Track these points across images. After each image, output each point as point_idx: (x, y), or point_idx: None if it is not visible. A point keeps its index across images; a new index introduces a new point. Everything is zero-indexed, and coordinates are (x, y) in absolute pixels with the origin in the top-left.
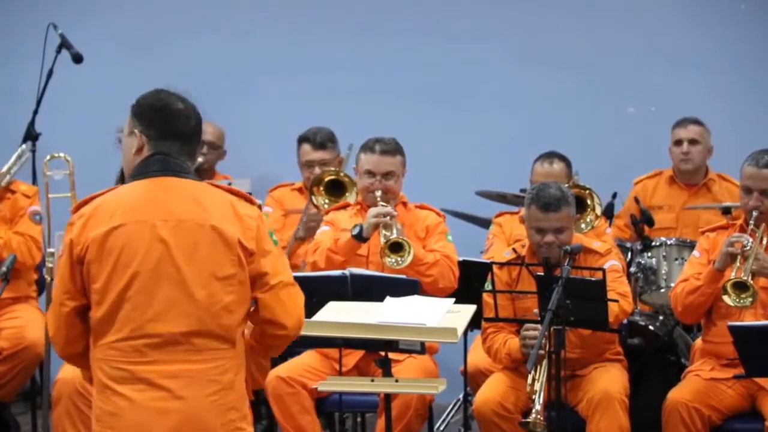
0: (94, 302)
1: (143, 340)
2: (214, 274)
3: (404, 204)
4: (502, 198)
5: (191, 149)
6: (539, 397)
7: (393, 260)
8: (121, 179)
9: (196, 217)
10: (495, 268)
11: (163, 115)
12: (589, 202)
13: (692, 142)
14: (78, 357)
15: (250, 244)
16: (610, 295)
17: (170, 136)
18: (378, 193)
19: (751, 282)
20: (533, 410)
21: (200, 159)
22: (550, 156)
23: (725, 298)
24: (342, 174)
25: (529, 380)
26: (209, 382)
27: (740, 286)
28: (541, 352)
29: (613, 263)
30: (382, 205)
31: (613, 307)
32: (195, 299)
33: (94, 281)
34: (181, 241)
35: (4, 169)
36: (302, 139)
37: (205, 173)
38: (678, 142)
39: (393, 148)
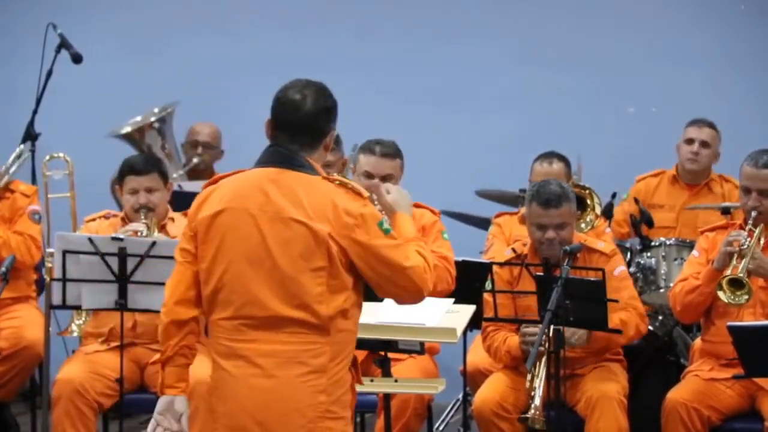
0: (202, 280)
1: (242, 321)
2: (305, 265)
3: None
4: (502, 196)
5: (303, 141)
6: (538, 392)
7: None
8: (119, 179)
9: (291, 210)
10: (495, 267)
11: (277, 104)
12: (589, 202)
13: (703, 144)
14: (177, 324)
15: (344, 241)
16: (625, 300)
17: (279, 126)
18: (375, 196)
19: (747, 279)
20: (532, 406)
21: (195, 159)
22: (550, 156)
23: (720, 294)
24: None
25: (528, 376)
26: (299, 364)
27: (736, 284)
28: (541, 348)
29: (623, 269)
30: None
31: (629, 323)
32: (287, 288)
33: (202, 261)
34: (276, 232)
35: (3, 168)
36: None
37: (202, 173)
38: (689, 141)
39: (393, 151)
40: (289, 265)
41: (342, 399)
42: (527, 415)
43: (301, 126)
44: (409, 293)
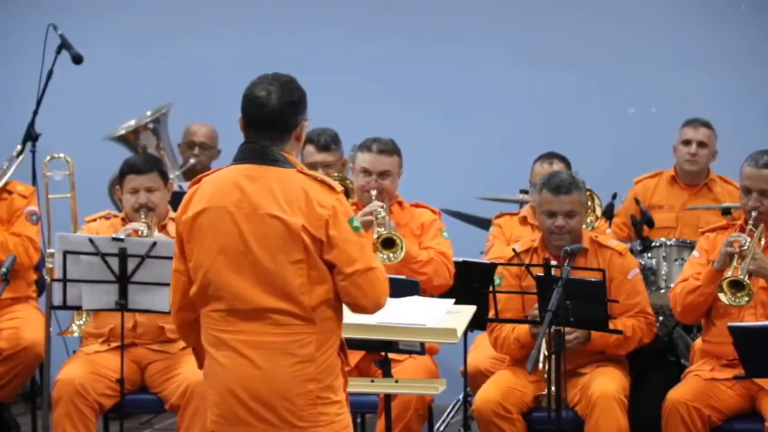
0: (191, 277)
1: (230, 312)
2: (285, 259)
3: (400, 203)
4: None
5: (272, 136)
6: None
7: (385, 256)
8: (120, 179)
9: (266, 206)
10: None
11: (245, 102)
12: (589, 203)
13: (701, 144)
14: (187, 325)
15: (318, 232)
16: (642, 306)
17: (248, 123)
18: (373, 193)
19: (747, 281)
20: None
21: (192, 160)
22: (550, 157)
23: (721, 295)
24: (346, 180)
25: (541, 358)
26: (287, 355)
27: (736, 285)
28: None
29: (637, 272)
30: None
31: (635, 333)
32: (271, 280)
33: (189, 260)
34: (253, 228)
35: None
36: (306, 140)
37: (199, 174)
38: (686, 142)
39: (390, 148)
40: (269, 260)
41: (333, 384)
42: (543, 393)
43: (267, 122)
44: (367, 298)
